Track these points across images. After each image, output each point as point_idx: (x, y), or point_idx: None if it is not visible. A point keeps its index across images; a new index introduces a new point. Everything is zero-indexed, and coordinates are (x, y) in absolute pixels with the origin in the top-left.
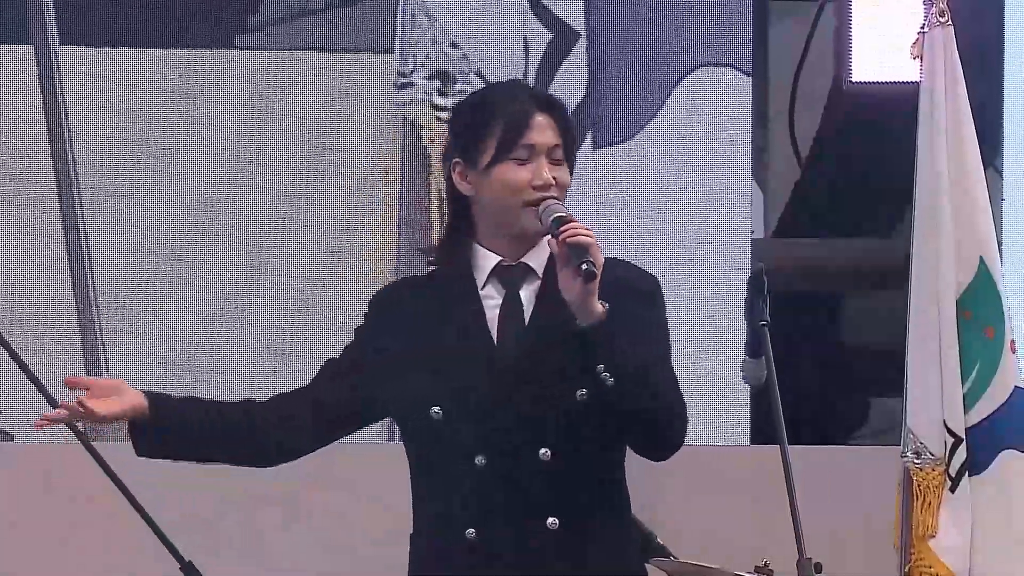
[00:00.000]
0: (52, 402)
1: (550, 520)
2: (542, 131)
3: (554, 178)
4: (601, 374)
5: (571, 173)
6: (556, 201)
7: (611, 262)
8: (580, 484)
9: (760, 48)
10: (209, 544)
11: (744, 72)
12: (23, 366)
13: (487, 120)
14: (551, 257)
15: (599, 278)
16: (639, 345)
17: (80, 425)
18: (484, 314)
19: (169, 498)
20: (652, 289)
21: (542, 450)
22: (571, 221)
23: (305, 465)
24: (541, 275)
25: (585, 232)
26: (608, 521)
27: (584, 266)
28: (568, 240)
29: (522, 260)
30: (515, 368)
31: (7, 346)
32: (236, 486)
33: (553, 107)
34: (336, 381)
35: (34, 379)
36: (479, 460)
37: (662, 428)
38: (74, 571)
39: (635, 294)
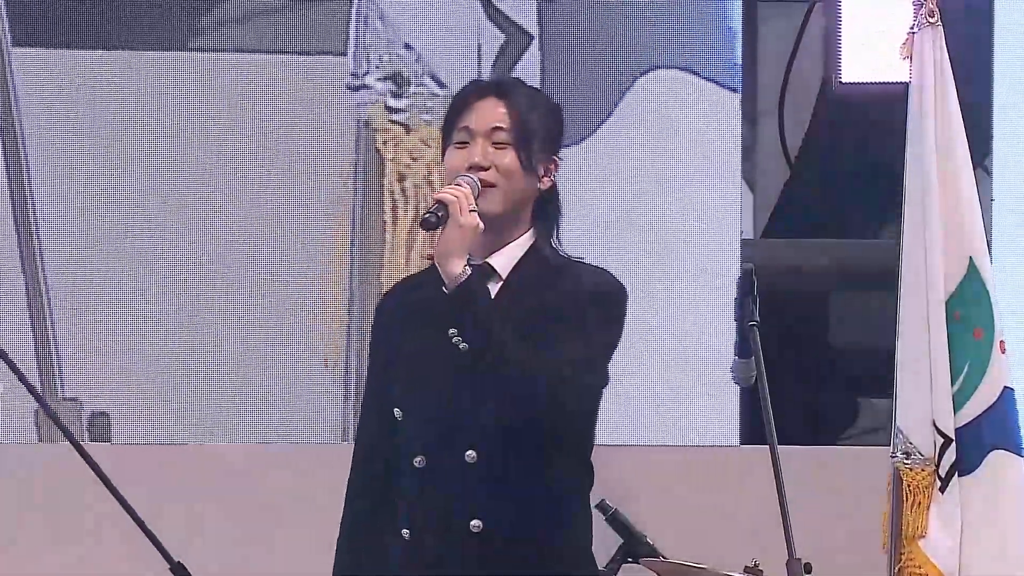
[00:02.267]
0: (48, 409)
1: (474, 523)
2: (481, 114)
3: (492, 162)
4: (453, 338)
5: (531, 158)
6: (467, 176)
7: (577, 266)
8: (506, 487)
9: (749, 48)
10: (199, 545)
11: (698, 75)
12: (21, 377)
13: (446, 115)
14: (521, 260)
15: (575, 281)
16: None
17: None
18: None
19: (159, 498)
20: (607, 292)
21: (468, 452)
22: (459, 188)
23: (297, 465)
24: (504, 277)
25: (449, 190)
26: (537, 524)
27: (426, 215)
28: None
29: (487, 260)
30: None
31: (5, 356)
32: (227, 487)
33: (507, 91)
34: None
35: (32, 390)
36: (418, 461)
37: (522, 400)
38: (64, 572)
39: (586, 295)
